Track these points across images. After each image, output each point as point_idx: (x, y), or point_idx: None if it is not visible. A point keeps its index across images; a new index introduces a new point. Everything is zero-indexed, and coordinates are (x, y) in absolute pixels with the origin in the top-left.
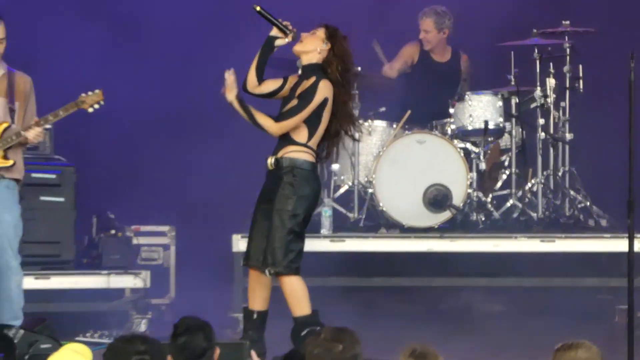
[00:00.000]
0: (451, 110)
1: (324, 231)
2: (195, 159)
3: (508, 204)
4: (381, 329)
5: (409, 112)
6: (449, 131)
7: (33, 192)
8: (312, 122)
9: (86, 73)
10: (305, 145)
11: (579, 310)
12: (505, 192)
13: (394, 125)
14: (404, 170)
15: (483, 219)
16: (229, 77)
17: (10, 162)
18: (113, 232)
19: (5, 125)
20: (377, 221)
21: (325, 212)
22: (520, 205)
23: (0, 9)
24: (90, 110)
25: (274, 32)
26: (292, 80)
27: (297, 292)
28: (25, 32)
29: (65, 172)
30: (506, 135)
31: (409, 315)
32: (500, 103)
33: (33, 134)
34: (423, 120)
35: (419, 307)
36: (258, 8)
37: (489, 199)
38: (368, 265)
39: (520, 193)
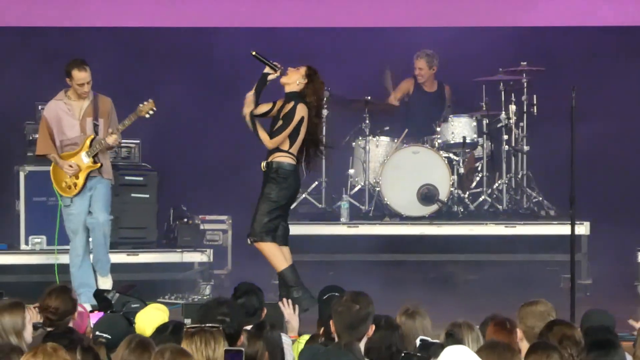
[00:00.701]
0: (438, 129)
1: (342, 219)
2: (245, 165)
3: (480, 199)
4: (385, 292)
5: (406, 130)
6: (436, 144)
7: (126, 191)
8: (293, 135)
9: (173, 103)
10: (287, 151)
11: (533, 278)
12: (478, 190)
13: (396, 140)
14: (403, 173)
15: (462, 210)
16: (249, 97)
17: (99, 165)
18: (185, 220)
19: (91, 137)
20: (383, 212)
21: (344, 205)
22: (489, 199)
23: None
24: (147, 116)
25: (267, 69)
26: (279, 103)
27: (272, 254)
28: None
29: (150, 176)
30: (479, 147)
31: (406, 282)
32: (474, 123)
33: (111, 140)
34: (417, 136)
35: (414, 276)
36: (254, 53)
37: (466, 195)
38: (376, 245)
39: (489, 190)
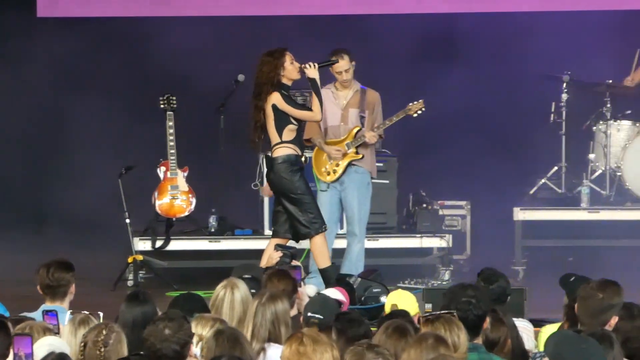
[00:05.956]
0: None
1: (583, 205)
2: (486, 151)
3: None
4: (626, 278)
5: None
6: None
7: None
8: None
9: (415, 84)
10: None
11: None
12: None
13: (637, 124)
14: None
15: None
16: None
17: (360, 156)
18: (424, 205)
19: (357, 128)
20: (624, 197)
21: (584, 190)
22: None
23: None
24: (415, 115)
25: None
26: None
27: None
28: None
29: (390, 162)
30: None
31: None
32: None
33: (368, 136)
34: None
35: None
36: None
37: None
38: (617, 230)
39: None
